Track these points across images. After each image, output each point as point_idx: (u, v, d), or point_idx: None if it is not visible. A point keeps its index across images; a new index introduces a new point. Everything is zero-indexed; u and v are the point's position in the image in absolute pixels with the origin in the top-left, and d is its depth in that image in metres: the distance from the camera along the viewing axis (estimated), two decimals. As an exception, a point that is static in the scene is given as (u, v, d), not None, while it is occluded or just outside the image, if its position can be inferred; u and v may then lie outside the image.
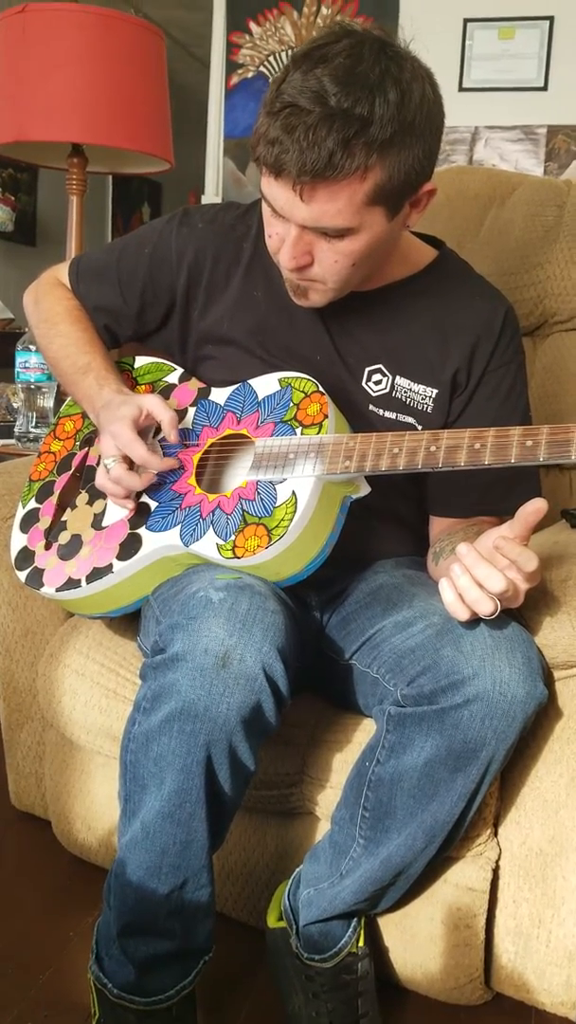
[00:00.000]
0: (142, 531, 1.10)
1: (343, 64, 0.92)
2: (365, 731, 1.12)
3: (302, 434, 1.05)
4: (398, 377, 1.15)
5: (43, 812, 1.47)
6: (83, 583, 1.12)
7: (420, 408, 1.15)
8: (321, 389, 1.07)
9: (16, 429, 1.90)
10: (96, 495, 1.18)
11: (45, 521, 1.21)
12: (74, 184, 2.09)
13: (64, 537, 1.18)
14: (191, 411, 1.17)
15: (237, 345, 1.18)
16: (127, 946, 1.01)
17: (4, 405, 2.12)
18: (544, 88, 3.44)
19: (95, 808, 1.34)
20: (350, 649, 1.11)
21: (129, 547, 1.10)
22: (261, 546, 1.00)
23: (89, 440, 1.25)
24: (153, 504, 1.11)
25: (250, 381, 1.13)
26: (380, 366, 1.16)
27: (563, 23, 3.38)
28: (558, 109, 3.42)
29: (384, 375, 1.16)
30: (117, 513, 1.14)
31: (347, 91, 0.90)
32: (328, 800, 1.13)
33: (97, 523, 1.16)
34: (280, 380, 1.11)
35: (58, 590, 1.14)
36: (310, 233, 1.00)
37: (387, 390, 1.15)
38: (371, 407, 1.15)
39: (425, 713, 0.95)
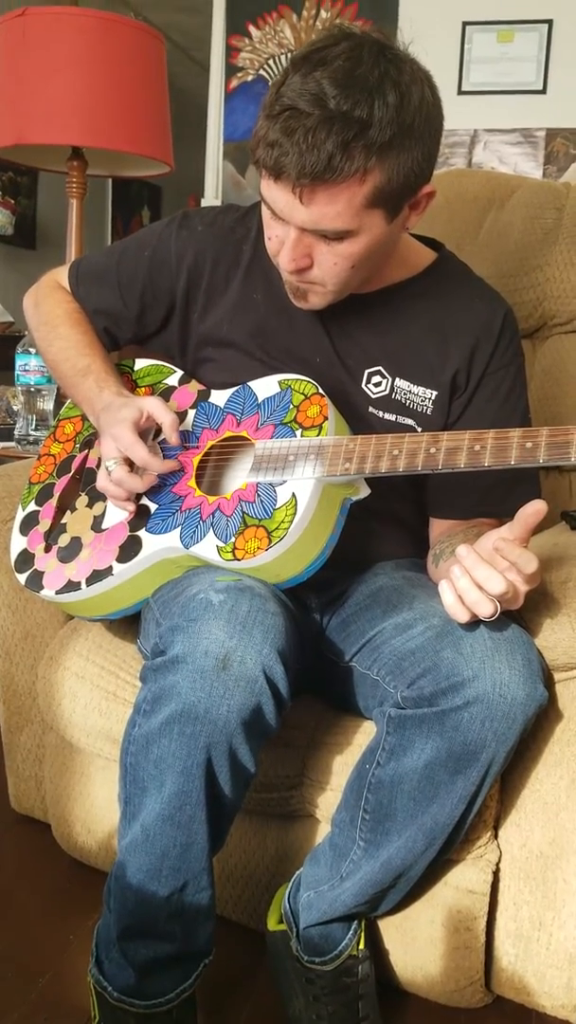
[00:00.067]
0: (142, 533, 1.10)
1: (342, 67, 0.92)
2: (365, 733, 1.12)
3: (302, 436, 1.05)
4: (398, 379, 1.16)
5: (43, 815, 1.47)
6: (83, 585, 1.12)
7: (420, 410, 1.15)
8: (321, 391, 1.07)
9: (16, 432, 1.90)
10: (96, 497, 1.18)
11: (45, 524, 1.21)
12: (74, 187, 2.09)
13: (64, 539, 1.18)
14: (191, 413, 1.17)
15: (237, 347, 1.18)
16: (127, 949, 1.01)
17: (4, 408, 2.12)
18: (543, 91, 3.44)
19: (95, 811, 1.34)
20: (350, 651, 1.11)
21: (129, 549, 1.10)
22: (261, 548, 1.00)
23: (89, 442, 1.25)
24: (153, 506, 1.11)
25: (250, 383, 1.13)
26: (380, 368, 1.16)
27: (562, 26, 3.38)
28: (557, 112, 3.42)
29: (384, 377, 1.16)
30: (117, 515, 1.14)
31: (346, 94, 0.90)
32: (328, 802, 1.12)
33: (97, 525, 1.16)
34: (280, 382, 1.11)
35: (58, 592, 1.14)
36: (309, 235, 1.00)
37: (387, 392, 1.16)
38: (371, 409, 1.15)
39: (425, 715, 0.95)
